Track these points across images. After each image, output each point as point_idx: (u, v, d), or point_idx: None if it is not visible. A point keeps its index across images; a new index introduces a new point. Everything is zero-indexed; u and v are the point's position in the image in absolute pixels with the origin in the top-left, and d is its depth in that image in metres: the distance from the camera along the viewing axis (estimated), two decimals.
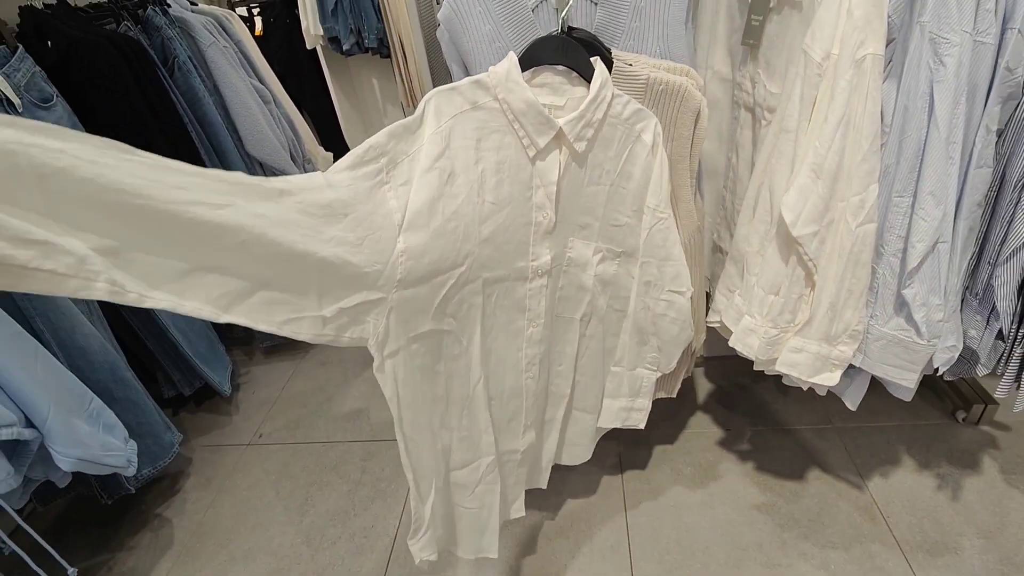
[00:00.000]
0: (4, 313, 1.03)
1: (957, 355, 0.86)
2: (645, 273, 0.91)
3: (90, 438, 1.12)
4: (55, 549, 1.18)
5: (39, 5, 1.41)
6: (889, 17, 0.71)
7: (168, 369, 1.67)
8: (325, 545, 1.33)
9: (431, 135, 0.72)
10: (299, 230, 0.60)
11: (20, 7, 1.39)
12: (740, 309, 0.98)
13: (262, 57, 1.92)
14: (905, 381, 0.87)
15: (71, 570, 1.10)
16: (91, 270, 0.48)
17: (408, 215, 0.70)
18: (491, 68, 0.76)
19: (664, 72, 0.85)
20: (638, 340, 0.97)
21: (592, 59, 0.81)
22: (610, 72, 0.84)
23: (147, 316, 1.50)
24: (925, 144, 0.74)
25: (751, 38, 0.94)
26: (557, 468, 1.15)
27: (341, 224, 0.63)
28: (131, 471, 1.21)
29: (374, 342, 0.73)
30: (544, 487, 1.13)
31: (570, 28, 0.86)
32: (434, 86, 1.32)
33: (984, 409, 1.38)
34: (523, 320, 0.88)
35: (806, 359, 0.90)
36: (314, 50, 2.89)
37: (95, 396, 1.19)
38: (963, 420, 1.41)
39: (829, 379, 0.91)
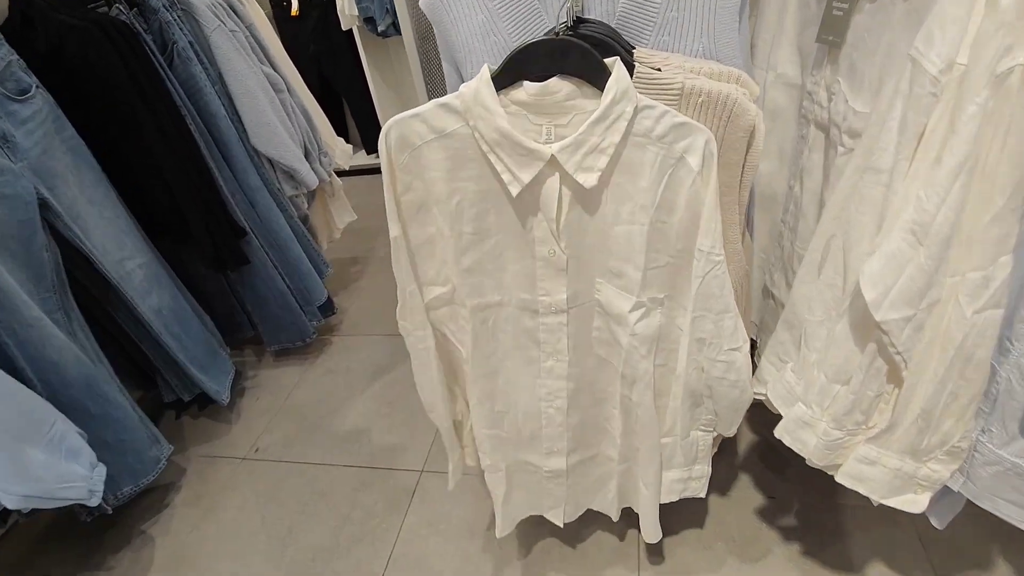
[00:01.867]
0: None
1: None
2: (698, 329, 0.74)
3: (45, 469, 1.03)
4: (40, 562, 1.11)
5: None
6: None
7: (165, 373, 1.60)
8: None
9: (400, 173, 0.68)
10: None
11: None
12: (792, 389, 0.75)
13: (278, 41, 1.78)
14: None
15: None
16: None
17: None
18: (461, 87, 0.60)
19: (705, 79, 0.63)
20: (691, 403, 0.82)
21: (609, 61, 0.59)
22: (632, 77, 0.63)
23: (137, 321, 1.41)
24: None
25: (831, 33, 0.69)
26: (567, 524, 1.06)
27: None
28: (94, 501, 1.12)
29: None
30: (615, 518, 1.07)
31: (579, 20, 0.65)
32: (425, 84, 1.14)
33: None
34: (536, 351, 0.81)
35: (881, 475, 0.67)
36: (350, 31, 2.75)
37: (61, 418, 1.10)
38: None
39: (912, 504, 0.67)
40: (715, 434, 0.85)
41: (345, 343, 1.96)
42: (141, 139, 1.34)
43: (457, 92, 0.61)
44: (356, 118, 3.13)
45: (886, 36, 0.60)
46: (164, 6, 1.40)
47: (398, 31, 2.68)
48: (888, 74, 0.58)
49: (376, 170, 3.58)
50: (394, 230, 0.70)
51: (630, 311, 0.73)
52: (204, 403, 1.76)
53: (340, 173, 2.03)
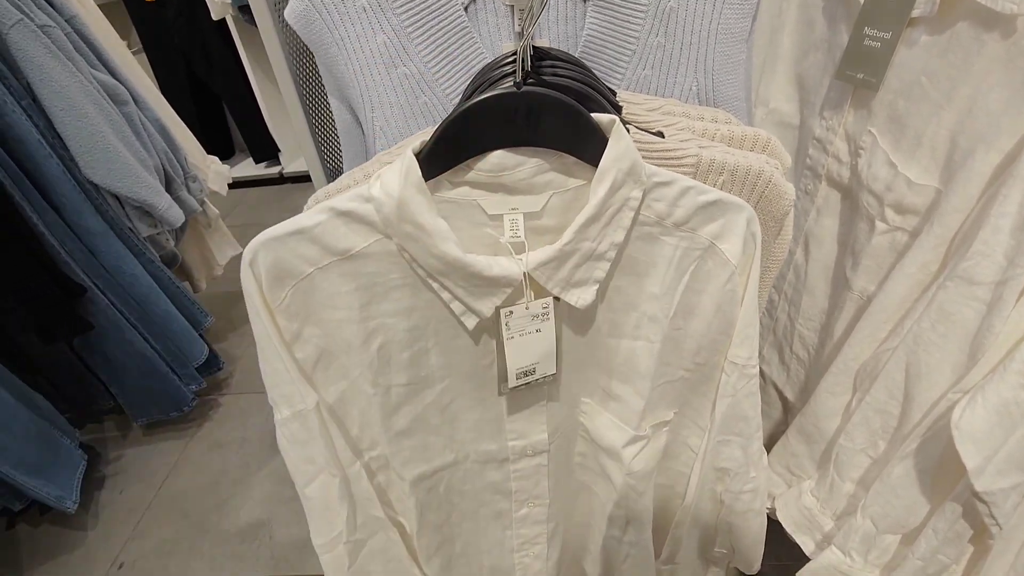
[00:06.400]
0: None
1: None
2: (721, 457, 0.56)
3: None
4: None
5: None
6: None
7: None
8: None
9: (282, 319, 0.43)
10: None
11: None
12: (815, 519, 0.60)
13: (115, 37, 1.40)
14: None
15: None
16: None
17: None
18: (374, 184, 0.39)
19: (723, 148, 0.43)
20: (699, 535, 0.65)
21: (604, 120, 0.38)
22: None
23: None
24: None
25: (860, 69, 0.52)
26: None
27: None
28: None
29: None
30: None
31: (537, 51, 0.43)
32: (302, 101, 0.84)
33: None
34: (507, 502, 0.62)
35: None
36: (223, 20, 2.34)
37: None
38: None
39: None
40: (730, 568, 0.68)
41: (236, 404, 1.63)
42: None
43: (365, 193, 0.38)
44: (239, 122, 2.71)
45: (964, 87, 0.44)
46: None
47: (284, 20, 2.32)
48: (979, 142, 0.42)
49: (267, 181, 3.15)
50: (296, 402, 0.45)
51: (624, 446, 0.54)
52: (47, 505, 1.38)
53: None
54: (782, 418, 0.78)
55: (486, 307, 0.41)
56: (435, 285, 0.41)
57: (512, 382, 0.45)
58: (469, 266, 0.38)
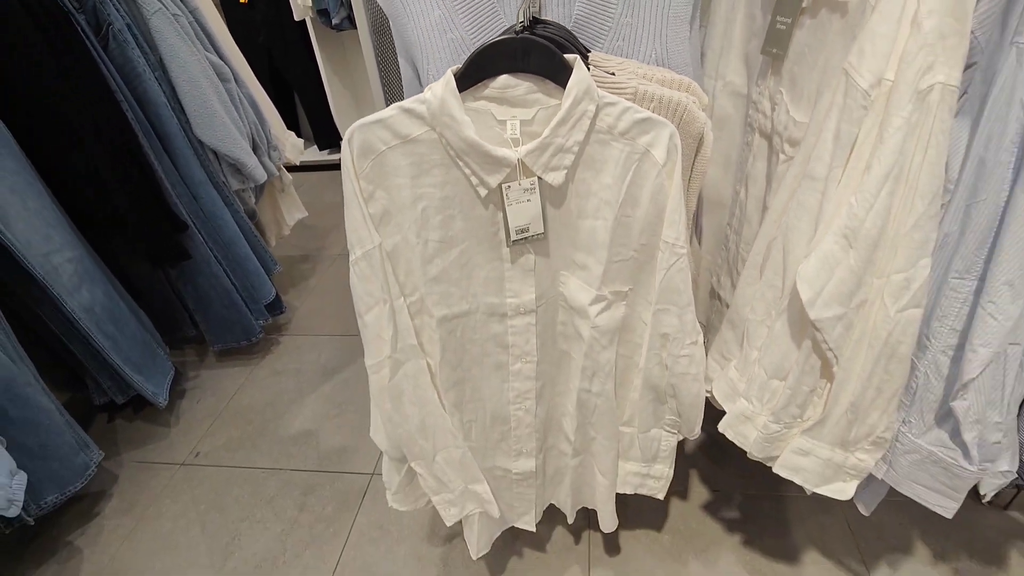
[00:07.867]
0: None
1: (1010, 480, 0.67)
2: (662, 324, 0.75)
3: None
4: None
5: None
6: (972, 33, 0.50)
7: (96, 374, 1.50)
8: None
9: (362, 182, 0.65)
10: None
11: None
12: (735, 385, 0.78)
13: (224, 28, 1.71)
14: (941, 509, 0.68)
15: None
16: None
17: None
18: (426, 92, 0.61)
19: (657, 86, 0.65)
20: (653, 398, 0.83)
21: (570, 58, 0.61)
22: None
23: (66, 319, 1.32)
24: (1005, 213, 0.53)
25: (774, 46, 0.73)
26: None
27: None
28: (13, 511, 1.04)
29: None
30: (571, 519, 1.08)
31: (535, 20, 0.66)
32: (381, 80, 1.13)
33: (1017, 493, 1.18)
34: (505, 355, 0.81)
35: (814, 465, 0.71)
36: (303, 21, 2.67)
37: None
38: (988, 503, 1.21)
39: (841, 492, 0.72)
40: (679, 437, 0.86)
41: (294, 343, 1.90)
42: (70, 127, 1.26)
43: (421, 97, 0.61)
44: (308, 112, 3.04)
45: (824, 51, 0.64)
46: None
47: (353, 24, 2.63)
48: (825, 86, 0.62)
49: (328, 166, 3.48)
50: (366, 243, 0.67)
51: (590, 304, 0.74)
52: (140, 405, 1.67)
53: (290, 168, 1.97)
54: None
55: (493, 180, 0.63)
56: (461, 163, 0.63)
57: (513, 236, 0.68)
58: (482, 146, 0.61)
